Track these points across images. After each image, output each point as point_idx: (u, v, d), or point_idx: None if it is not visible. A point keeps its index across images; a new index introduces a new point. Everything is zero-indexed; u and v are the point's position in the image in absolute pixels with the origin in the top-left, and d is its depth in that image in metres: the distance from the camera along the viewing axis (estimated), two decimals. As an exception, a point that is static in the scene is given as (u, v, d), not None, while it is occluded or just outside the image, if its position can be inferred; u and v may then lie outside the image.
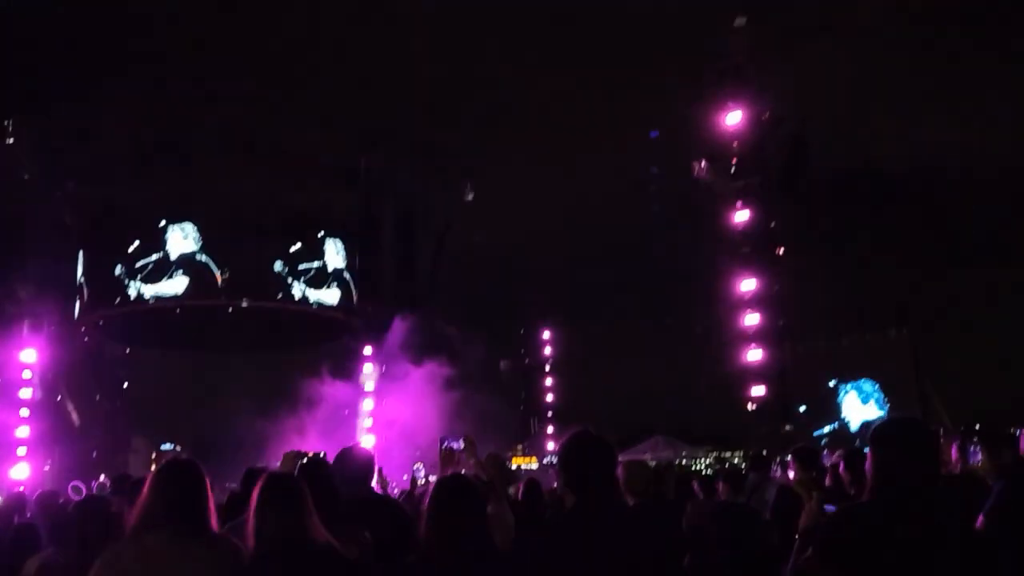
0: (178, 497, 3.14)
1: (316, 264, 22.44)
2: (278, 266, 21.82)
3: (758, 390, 20.53)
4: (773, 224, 21.17)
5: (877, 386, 21.37)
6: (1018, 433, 4.29)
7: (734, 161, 21.49)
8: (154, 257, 21.22)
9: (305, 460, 4.23)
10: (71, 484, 9.46)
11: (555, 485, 10.75)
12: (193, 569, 3.04)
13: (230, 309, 21.73)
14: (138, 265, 21.24)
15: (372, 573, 3.39)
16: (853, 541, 3.04)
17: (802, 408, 21.15)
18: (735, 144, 21.39)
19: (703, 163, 21.69)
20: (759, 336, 20.67)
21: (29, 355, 20.21)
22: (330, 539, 3.26)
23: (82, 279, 22.29)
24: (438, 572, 3.16)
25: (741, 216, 21.12)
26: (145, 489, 3.21)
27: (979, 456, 4.72)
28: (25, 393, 20.14)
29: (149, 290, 21.08)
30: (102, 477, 8.64)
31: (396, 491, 9.42)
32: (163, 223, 21.23)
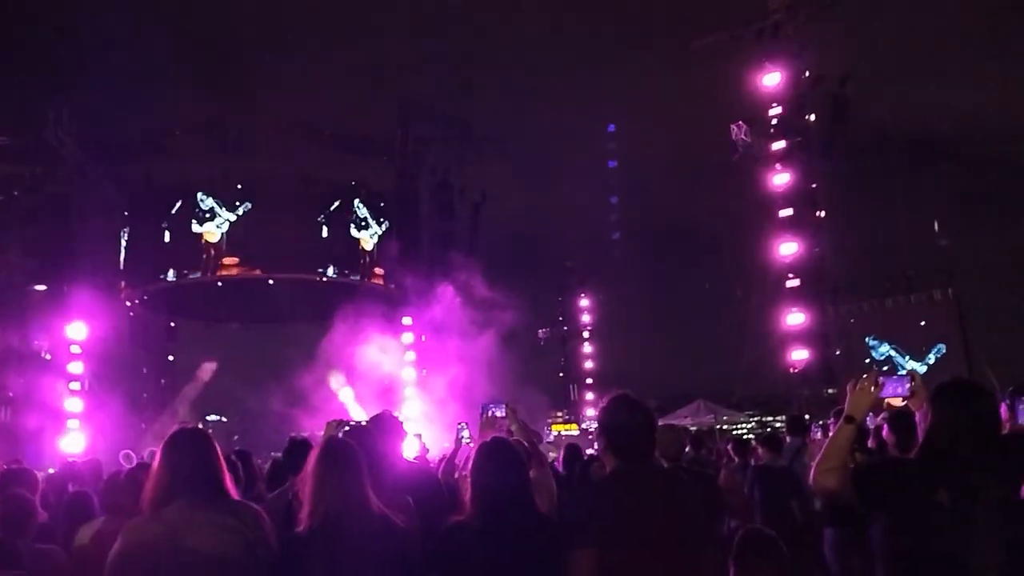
0: (190, 466, 3.11)
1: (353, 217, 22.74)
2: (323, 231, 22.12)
3: (800, 354, 20.35)
4: (814, 186, 20.85)
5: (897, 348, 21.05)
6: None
7: (773, 122, 21.14)
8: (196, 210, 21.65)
9: (347, 428, 4.26)
10: (122, 453, 9.66)
11: (594, 449, 10.79)
12: (215, 537, 3.01)
13: (271, 281, 21.98)
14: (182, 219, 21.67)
15: (420, 539, 3.41)
16: (888, 493, 3.03)
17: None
18: (774, 105, 21.02)
19: (742, 125, 21.37)
20: (800, 299, 20.45)
21: (78, 330, 20.65)
22: (383, 508, 3.28)
23: (125, 254, 22.68)
24: (482, 534, 3.19)
25: (781, 179, 20.81)
26: (157, 462, 3.18)
27: (1028, 415, 4.63)
28: (74, 367, 20.61)
29: (196, 227, 21.54)
30: (152, 448, 8.82)
31: (438, 457, 9.53)
32: (201, 196, 21.54)
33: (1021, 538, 3.02)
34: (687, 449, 6.84)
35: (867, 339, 20.83)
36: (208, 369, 25.87)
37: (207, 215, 21.62)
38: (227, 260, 21.69)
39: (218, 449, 3.24)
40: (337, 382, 21.37)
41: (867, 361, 19.98)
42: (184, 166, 22.90)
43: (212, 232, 21.60)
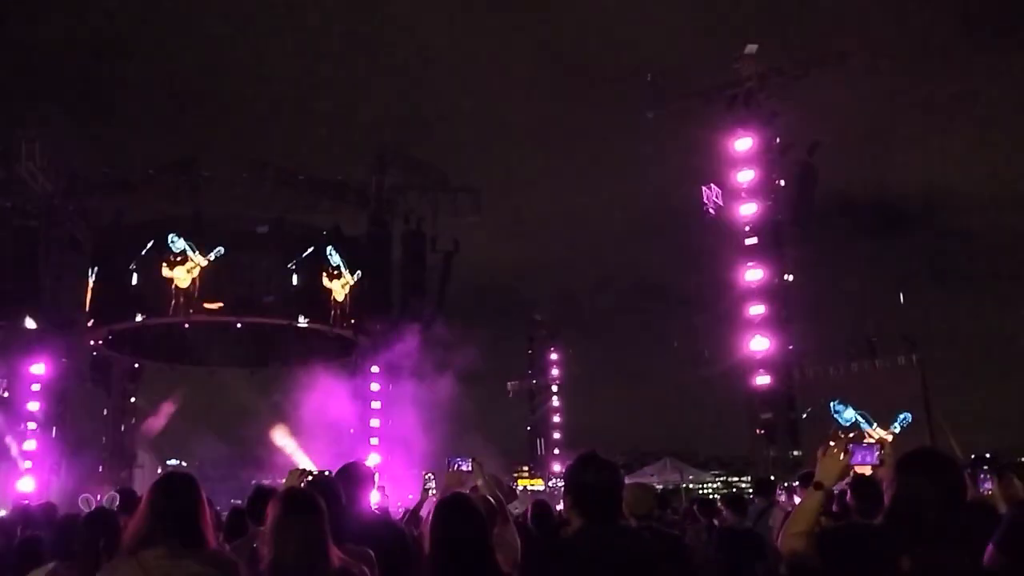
0: (176, 512, 3.10)
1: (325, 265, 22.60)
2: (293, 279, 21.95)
3: (766, 415, 20.45)
4: (784, 250, 21.19)
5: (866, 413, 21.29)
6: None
7: (744, 186, 21.52)
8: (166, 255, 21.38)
9: (311, 478, 4.20)
10: (81, 496, 9.40)
11: (559, 508, 10.70)
12: None
13: (238, 325, 21.79)
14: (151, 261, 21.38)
15: None
16: (852, 560, 3.04)
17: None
18: (745, 169, 21.43)
19: (713, 188, 21.74)
20: (768, 362, 20.62)
21: (38, 368, 20.27)
22: (342, 558, 3.24)
23: (92, 293, 22.38)
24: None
25: (750, 241, 21.14)
26: (142, 503, 3.16)
27: (989, 485, 4.70)
28: (32, 406, 20.18)
29: (167, 272, 21.22)
30: (111, 492, 8.59)
31: (400, 509, 9.39)
32: (172, 237, 21.35)
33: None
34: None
35: (832, 403, 20.99)
36: (167, 411, 25.46)
37: (178, 258, 21.40)
38: (208, 305, 21.42)
39: (203, 496, 3.22)
40: (301, 430, 21.08)
41: (833, 428, 20.15)
42: (155, 206, 22.79)
43: (182, 277, 21.36)
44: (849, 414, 20.89)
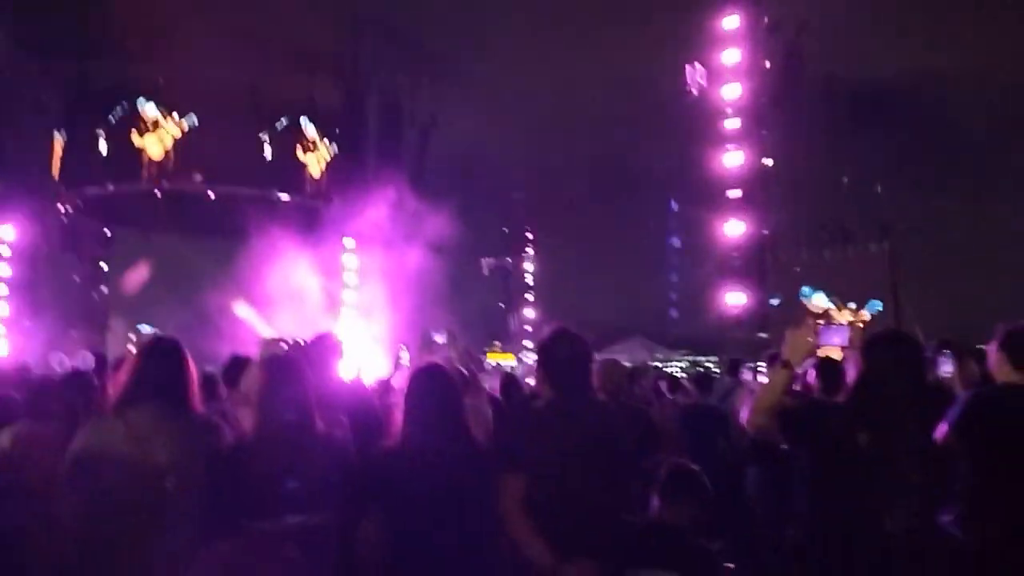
0: (162, 375, 3.15)
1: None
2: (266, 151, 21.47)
3: (737, 297, 20.74)
4: (764, 132, 20.99)
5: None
6: (987, 348, 4.38)
7: (728, 68, 21.10)
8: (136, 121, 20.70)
9: (286, 347, 4.24)
10: (55, 357, 9.42)
11: (530, 382, 10.91)
12: (175, 444, 3.04)
13: (211, 195, 21.47)
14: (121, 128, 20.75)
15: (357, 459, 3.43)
16: (813, 432, 3.14)
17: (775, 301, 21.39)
18: (731, 48, 20.96)
19: (696, 67, 21.31)
20: (741, 244, 20.75)
21: (6, 232, 19.98)
22: (326, 425, 3.31)
23: (61, 159, 21.84)
24: (415, 458, 3.22)
25: (732, 124, 20.87)
26: (129, 365, 3.21)
27: (949, 368, 4.83)
28: (2, 270, 20.01)
29: (138, 141, 20.65)
30: (87, 353, 8.59)
31: (374, 381, 9.54)
32: (142, 101, 20.66)
33: (934, 485, 3.18)
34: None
35: (802, 288, 21.29)
36: (142, 272, 25.26)
37: (149, 125, 20.80)
38: (181, 175, 20.92)
39: (190, 361, 3.26)
40: (275, 301, 21.11)
41: (803, 311, 20.51)
42: (123, 68, 21.95)
43: (154, 145, 20.80)
44: (819, 299, 21.25)
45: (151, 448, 2.99)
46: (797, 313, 19.92)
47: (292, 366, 3.37)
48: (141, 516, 2.96)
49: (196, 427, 3.17)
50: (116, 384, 3.21)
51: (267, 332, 20.93)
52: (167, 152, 20.71)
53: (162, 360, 3.20)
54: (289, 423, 3.19)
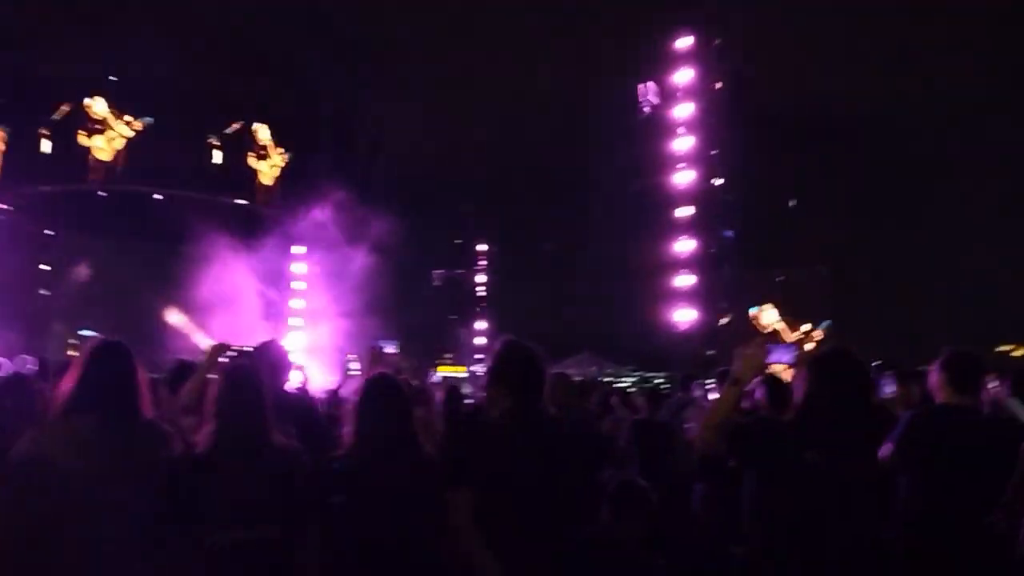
0: (110, 380, 3.05)
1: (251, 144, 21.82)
2: (214, 155, 21.13)
3: (686, 314, 20.99)
4: (714, 152, 21.33)
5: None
6: (928, 370, 4.48)
7: (681, 87, 21.44)
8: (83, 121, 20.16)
9: (234, 354, 4.16)
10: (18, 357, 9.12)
11: (475, 394, 10.88)
12: (123, 452, 2.96)
13: (157, 197, 21.09)
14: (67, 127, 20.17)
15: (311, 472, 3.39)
16: (761, 450, 3.18)
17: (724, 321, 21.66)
18: (683, 68, 21.30)
19: (650, 85, 21.60)
20: (691, 262, 21.03)
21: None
22: (281, 436, 3.26)
23: (2, 155, 21.21)
24: (363, 468, 3.19)
25: (683, 143, 21.18)
26: (75, 370, 3.10)
27: (891, 389, 4.93)
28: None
29: (85, 141, 20.08)
30: (27, 357, 8.35)
31: (321, 391, 9.43)
32: (88, 101, 20.17)
33: (877, 505, 3.24)
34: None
35: (752, 308, 21.64)
36: (82, 273, 24.69)
37: (97, 126, 20.30)
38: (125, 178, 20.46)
39: (136, 366, 3.16)
40: (221, 307, 20.76)
41: (753, 328, 20.81)
42: (70, 65, 21.42)
43: (103, 147, 20.28)
44: (770, 315, 21.59)
45: (97, 456, 2.90)
46: (746, 330, 20.22)
47: (250, 375, 3.33)
48: (87, 526, 2.85)
49: (145, 435, 3.07)
50: (61, 389, 3.09)
51: (201, 339, 20.60)
52: (116, 153, 20.28)
53: (109, 364, 3.10)
54: (247, 434, 3.14)
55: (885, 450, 3.50)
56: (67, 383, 3.07)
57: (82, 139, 20.12)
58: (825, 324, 21.14)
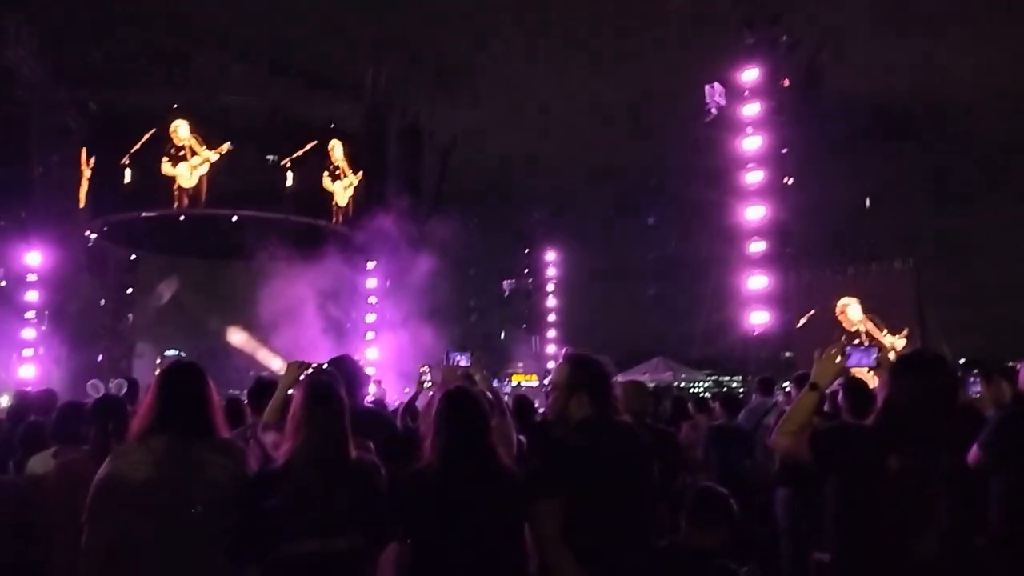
0: (182, 401, 3.13)
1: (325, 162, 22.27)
2: (288, 177, 21.62)
3: (761, 316, 20.61)
4: (784, 151, 20.93)
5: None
6: (1017, 367, 4.32)
7: (748, 86, 21.10)
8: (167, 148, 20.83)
9: (310, 371, 4.23)
10: (90, 383, 9.52)
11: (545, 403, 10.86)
12: (200, 471, 3.04)
13: (234, 218, 21.66)
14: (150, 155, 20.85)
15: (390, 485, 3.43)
16: (843, 456, 3.11)
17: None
18: (750, 68, 20.98)
19: (716, 87, 21.33)
20: (764, 263, 20.65)
21: (34, 258, 20.26)
22: (359, 451, 3.32)
23: (89, 185, 22.10)
24: (444, 482, 3.21)
25: (752, 143, 20.84)
26: (150, 393, 3.20)
27: (978, 388, 4.76)
28: (31, 296, 20.26)
29: (169, 169, 20.72)
30: (119, 379, 8.69)
31: (396, 403, 9.55)
32: (176, 125, 20.82)
33: (966, 510, 3.13)
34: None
35: (841, 300, 20.99)
36: (170, 287, 25.37)
37: (180, 153, 20.93)
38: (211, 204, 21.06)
39: (211, 386, 3.25)
40: (298, 324, 21.18)
41: (833, 331, 20.29)
42: (148, 95, 22.21)
43: (185, 175, 20.86)
44: (854, 311, 20.97)
45: (175, 476, 2.99)
46: (824, 331, 19.74)
47: (329, 390, 3.37)
48: (168, 545, 2.94)
49: (221, 453, 3.15)
50: (139, 411, 3.20)
51: (265, 357, 21.02)
52: (201, 180, 20.86)
53: (182, 386, 3.19)
54: (325, 448, 3.19)
55: (973, 453, 3.39)
56: (144, 405, 3.18)
57: (166, 167, 20.76)
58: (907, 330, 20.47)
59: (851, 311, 21.19)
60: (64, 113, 21.76)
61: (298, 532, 3.08)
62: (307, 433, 3.20)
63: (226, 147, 20.82)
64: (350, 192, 22.78)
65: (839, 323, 20.98)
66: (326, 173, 22.26)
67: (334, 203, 22.46)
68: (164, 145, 20.73)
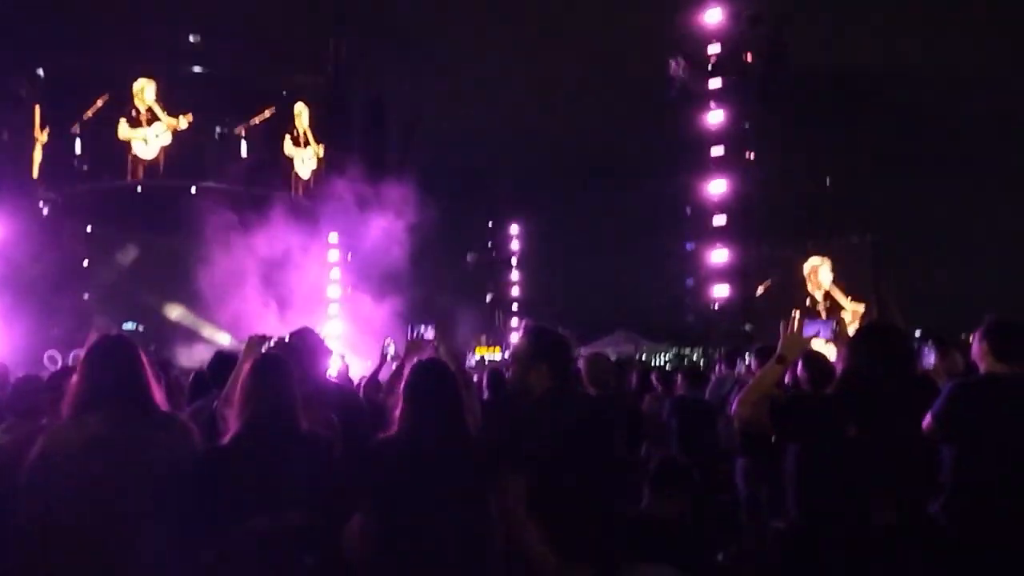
0: (114, 376, 3.01)
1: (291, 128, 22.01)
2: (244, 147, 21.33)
3: (721, 289, 20.85)
4: (746, 126, 21.09)
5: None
6: (970, 339, 4.41)
7: (711, 60, 21.19)
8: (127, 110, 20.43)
9: (271, 344, 4.19)
10: (47, 354, 9.36)
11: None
12: (139, 448, 2.93)
13: (193, 190, 21.33)
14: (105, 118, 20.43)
15: (346, 458, 3.40)
16: (803, 424, 3.17)
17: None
18: (713, 42, 21.05)
19: (680, 60, 21.37)
20: (725, 236, 20.86)
21: (-13, 229, 19.77)
22: (309, 424, 3.26)
23: (42, 154, 21.59)
24: (412, 451, 3.21)
25: (715, 117, 20.96)
26: (79, 367, 3.07)
27: (932, 359, 4.86)
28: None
29: (126, 132, 20.31)
30: (76, 351, 8.54)
31: (359, 378, 9.52)
32: (139, 87, 20.38)
33: (921, 477, 3.21)
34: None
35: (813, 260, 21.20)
36: (130, 253, 24.81)
37: (138, 116, 20.43)
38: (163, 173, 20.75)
39: (144, 359, 3.13)
40: (258, 296, 20.92)
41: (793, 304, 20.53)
42: (100, 62, 21.62)
43: (142, 143, 20.42)
44: (826, 275, 21.18)
45: (111, 453, 2.87)
46: (786, 304, 19.98)
47: (278, 363, 3.32)
48: (107, 522, 2.83)
49: (162, 428, 3.05)
50: (71, 388, 3.05)
51: (211, 335, 20.79)
52: (162, 151, 20.51)
53: (114, 361, 3.06)
54: (273, 422, 3.14)
55: (926, 422, 3.47)
56: (72, 383, 3.04)
57: (123, 130, 20.32)
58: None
59: (822, 272, 21.44)
60: (13, 80, 21.15)
61: (249, 508, 3.02)
62: (254, 406, 3.14)
63: (187, 119, 20.46)
64: (312, 164, 22.54)
65: (807, 283, 21.22)
66: (288, 138, 22.00)
67: (294, 173, 22.23)
68: (125, 107, 20.32)
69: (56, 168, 21.24)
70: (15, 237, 20.13)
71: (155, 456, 2.94)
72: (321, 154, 22.68)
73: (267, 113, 21.60)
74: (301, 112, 22.20)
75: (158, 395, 3.10)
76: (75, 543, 2.82)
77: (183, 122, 20.52)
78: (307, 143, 22.43)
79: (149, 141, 20.51)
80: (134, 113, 20.35)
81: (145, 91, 20.34)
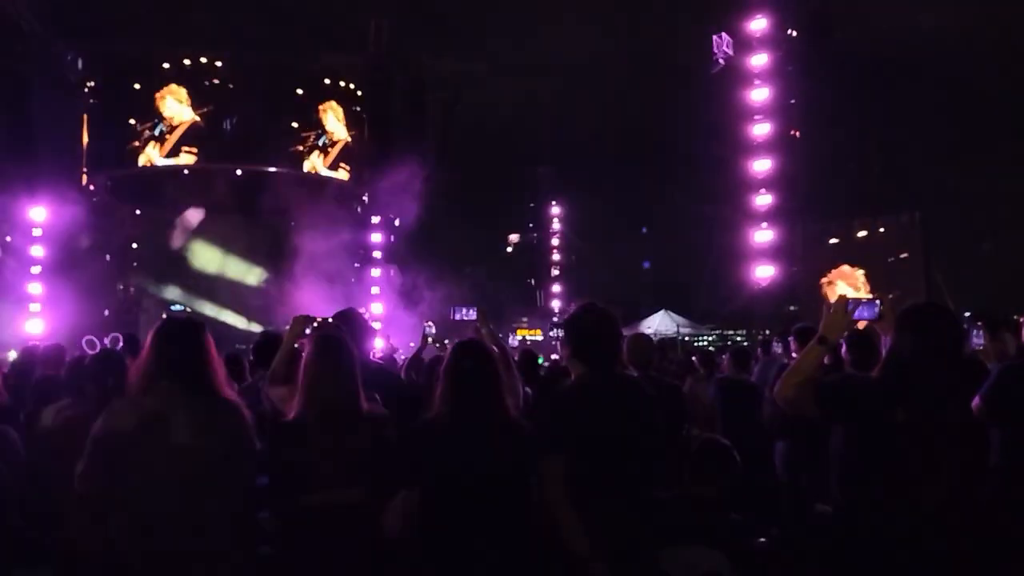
0: (177, 356, 3.09)
1: (319, 135, 22.28)
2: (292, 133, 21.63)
3: (766, 270, 20.62)
4: (792, 102, 20.76)
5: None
6: (1021, 320, 4.31)
7: (756, 36, 20.85)
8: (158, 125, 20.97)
9: (316, 324, 4.24)
10: (85, 339, 9.56)
11: (554, 357, 10.91)
12: (195, 425, 3.01)
13: (238, 172, 21.62)
14: (144, 129, 20.99)
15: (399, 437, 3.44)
16: (849, 407, 3.12)
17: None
18: (758, 18, 20.70)
19: (724, 37, 21.08)
20: (770, 216, 20.60)
21: (38, 213, 20.23)
22: (369, 404, 3.33)
23: (89, 139, 22.04)
24: (452, 432, 3.23)
25: (759, 94, 20.66)
26: (146, 347, 3.16)
27: (982, 340, 4.76)
28: (36, 251, 20.27)
29: (155, 154, 20.93)
30: (115, 334, 8.72)
31: (402, 357, 9.60)
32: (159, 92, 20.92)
33: (971, 460, 3.15)
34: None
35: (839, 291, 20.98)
36: (195, 216, 25.13)
37: (179, 99, 20.91)
38: (186, 148, 21.19)
39: (209, 342, 3.20)
40: (303, 279, 21.16)
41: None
42: (148, 46, 21.98)
43: (185, 122, 20.90)
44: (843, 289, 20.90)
45: (169, 430, 2.96)
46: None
47: (341, 343, 3.37)
48: (168, 498, 2.93)
49: (220, 407, 3.12)
50: (135, 367, 3.17)
51: (305, 311, 21.09)
52: (199, 130, 20.90)
53: (178, 341, 3.15)
54: (337, 401, 3.21)
55: (975, 404, 3.40)
56: (140, 361, 3.13)
57: (164, 109, 20.75)
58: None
59: (840, 290, 21.12)
60: (65, 65, 21.59)
61: (312, 483, 3.11)
62: (319, 386, 3.21)
63: (213, 104, 20.97)
64: (347, 141, 22.73)
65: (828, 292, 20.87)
66: (326, 123, 22.22)
67: (335, 151, 22.50)
68: (162, 93, 20.75)
69: (105, 152, 21.68)
70: (64, 220, 20.57)
71: (210, 435, 3.03)
72: (355, 133, 22.85)
73: (309, 99, 21.88)
74: (335, 103, 22.43)
75: (218, 377, 3.18)
76: (135, 516, 2.92)
77: (208, 106, 21.01)
78: (346, 126, 22.64)
79: (187, 121, 20.99)
80: (159, 132, 20.94)
81: (168, 102, 20.89)
